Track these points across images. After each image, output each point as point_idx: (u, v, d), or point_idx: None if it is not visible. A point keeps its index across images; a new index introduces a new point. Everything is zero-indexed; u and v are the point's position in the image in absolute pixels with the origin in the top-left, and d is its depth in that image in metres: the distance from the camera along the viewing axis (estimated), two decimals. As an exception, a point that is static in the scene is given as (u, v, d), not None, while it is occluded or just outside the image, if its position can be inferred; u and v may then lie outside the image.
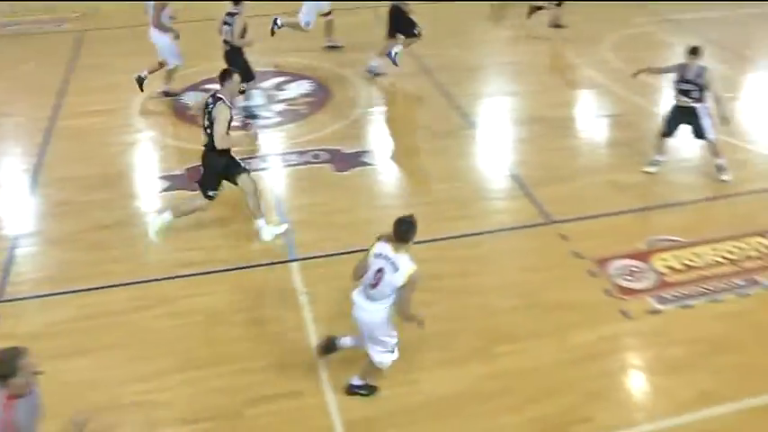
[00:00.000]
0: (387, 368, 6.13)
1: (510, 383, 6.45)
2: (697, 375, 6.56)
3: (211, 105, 7.77)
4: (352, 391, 6.31)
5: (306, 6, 13.42)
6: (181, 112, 11.71)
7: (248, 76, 11.05)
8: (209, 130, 7.82)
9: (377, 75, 12.85)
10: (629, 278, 7.76)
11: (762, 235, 8.57)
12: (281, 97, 12.16)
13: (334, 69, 13.07)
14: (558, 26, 15.08)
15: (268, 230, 8.37)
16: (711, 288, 7.66)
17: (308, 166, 10.06)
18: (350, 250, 8.08)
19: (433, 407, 6.18)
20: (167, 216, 8.26)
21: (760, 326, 7.20)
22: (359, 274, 5.90)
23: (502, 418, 6.13)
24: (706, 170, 9.93)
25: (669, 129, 9.60)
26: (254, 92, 11.89)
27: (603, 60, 13.70)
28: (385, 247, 5.72)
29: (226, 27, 11.03)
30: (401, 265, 5.64)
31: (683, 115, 9.40)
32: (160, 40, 11.64)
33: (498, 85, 13.01)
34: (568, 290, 7.63)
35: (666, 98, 12.28)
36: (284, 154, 10.42)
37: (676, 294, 7.56)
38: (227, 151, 8.01)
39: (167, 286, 7.71)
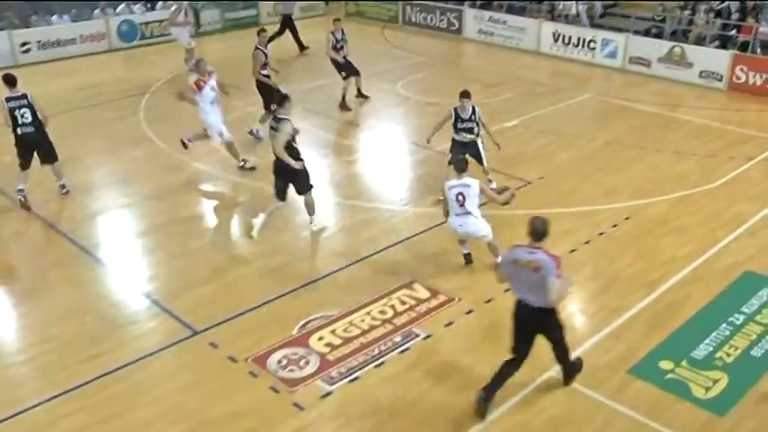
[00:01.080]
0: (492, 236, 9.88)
1: None
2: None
3: (277, 123, 10.48)
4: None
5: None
6: None
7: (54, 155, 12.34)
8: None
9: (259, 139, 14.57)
10: (292, 368, 8.15)
11: (406, 287, 9.67)
12: None
13: None
14: (363, 96, 17.31)
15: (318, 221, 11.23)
16: (374, 353, 8.39)
17: None
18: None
19: None
20: (262, 218, 10.75)
21: (424, 380, 8.04)
22: (446, 211, 9.82)
23: None
24: (342, 240, 10.91)
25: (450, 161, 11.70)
26: None
27: (213, 151, 14.28)
28: (451, 181, 9.75)
29: (23, 110, 11.67)
30: (470, 182, 9.68)
31: (465, 148, 11.75)
32: None
33: (107, 199, 12.81)
34: (234, 399, 7.78)
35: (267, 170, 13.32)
36: None
37: (342, 370, 8.14)
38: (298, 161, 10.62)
39: None
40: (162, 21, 22.99)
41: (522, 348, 7.44)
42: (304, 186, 10.84)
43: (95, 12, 23.16)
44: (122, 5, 23.70)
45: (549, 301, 7.11)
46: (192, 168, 13.75)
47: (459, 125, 11.76)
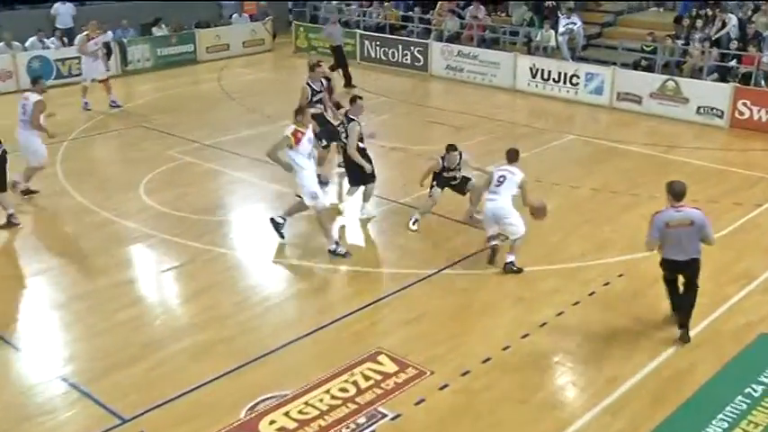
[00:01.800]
0: (522, 238, 11.61)
1: None
2: None
3: (346, 124, 13.25)
4: (509, 268, 11.61)
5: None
6: None
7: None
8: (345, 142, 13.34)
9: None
10: (239, 459, 7.97)
11: (371, 359, 9.57)
12: None
13: None
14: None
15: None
16: (334, 438, 8.26)
17: None
18: None
19: None
20: (366, 204, 13.86)
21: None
22: (484, 189, 12.32)
23: None
24: (295, 307, 10.82)
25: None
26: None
27: (144, 208, 14.18)
28: (501, 167, 11.83)
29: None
30: (516, 172, 11.71)
31: (450, 184, 13.54)
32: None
33: (17, 264, 12.62)
34: (169, 499, 7.55)
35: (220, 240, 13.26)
36: None
37: (298, 460, 7.96)
38: (364, 158, 13.47)
39: None
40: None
41: (676, 289, 9.95)
42: (370, 176, 13.51)
43: (-1, 45, 23.06)
44: (33, 39, 23.59)
45: (709, 244, 9.75)
46: (119, 227, 13.61)
47: (447, 173, 13.28)
